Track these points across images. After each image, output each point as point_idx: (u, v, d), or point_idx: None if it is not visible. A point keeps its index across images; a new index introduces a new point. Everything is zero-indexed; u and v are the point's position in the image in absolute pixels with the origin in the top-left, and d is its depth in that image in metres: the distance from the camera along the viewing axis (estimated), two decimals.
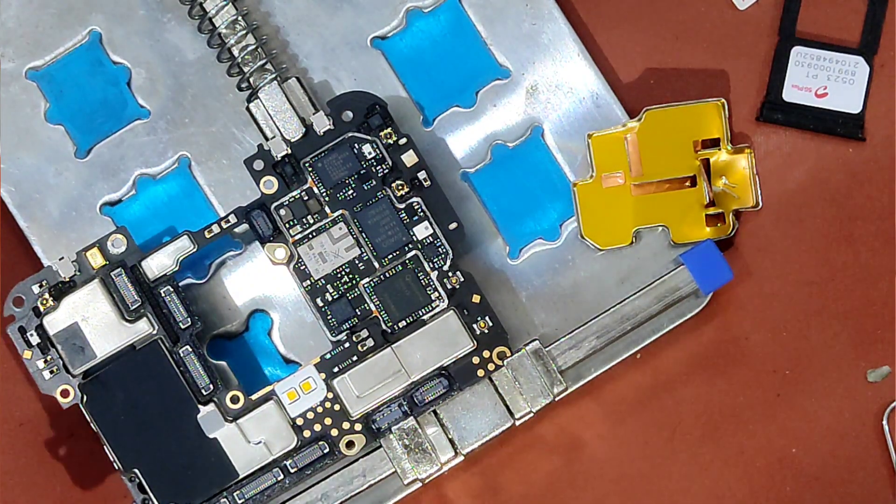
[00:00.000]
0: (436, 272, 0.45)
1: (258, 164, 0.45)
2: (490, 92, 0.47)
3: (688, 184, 0.46)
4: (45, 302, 0.44)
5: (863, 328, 0.46)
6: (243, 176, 0.45)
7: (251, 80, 0.45)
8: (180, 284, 0.45)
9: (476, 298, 0.45)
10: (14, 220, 0.46)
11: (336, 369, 0.45)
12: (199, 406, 0.44)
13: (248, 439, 0.44)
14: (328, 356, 0.45)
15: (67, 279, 0.44)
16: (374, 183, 0.45)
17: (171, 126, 0.47)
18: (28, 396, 0.47)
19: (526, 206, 0.46)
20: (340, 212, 0.45)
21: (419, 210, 0.45)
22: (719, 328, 0.46)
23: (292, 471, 0.45)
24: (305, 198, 0.45)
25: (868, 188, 0.47)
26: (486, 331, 0.45)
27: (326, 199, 0.45)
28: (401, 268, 0.45)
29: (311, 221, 0.45)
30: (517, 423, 0.45)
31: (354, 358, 0.45)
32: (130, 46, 0.47)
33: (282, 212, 0.45)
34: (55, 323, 0.44)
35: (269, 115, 0.45)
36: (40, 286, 0.44)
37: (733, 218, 0.46)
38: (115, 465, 0.44)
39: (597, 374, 0.45)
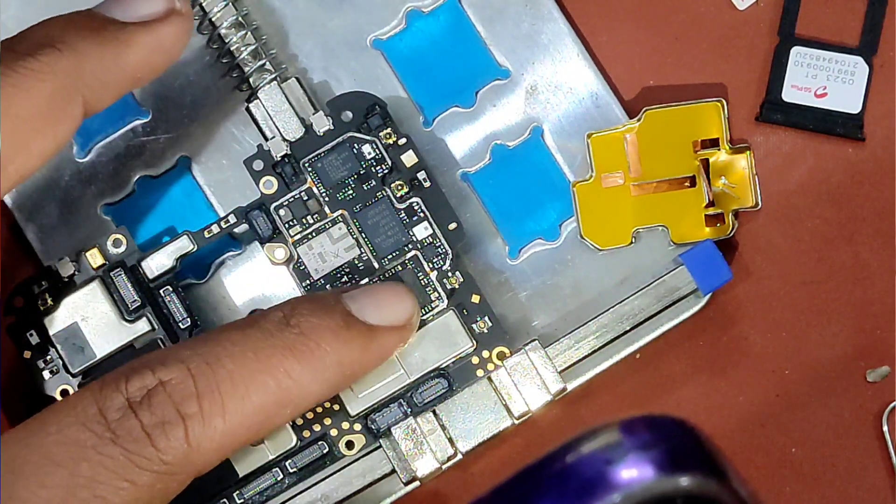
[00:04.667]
0: (435, 272, 0.45)
1: (258, 165, 0.45)
2: (490, 92, 0.47)
3: (687, 184, 0.46)
4: (44, 302, 0.44)
5: (863, 328, 0.46)
6: (243, 176, 0.45)
7: (251, 80, 0.45)
8: (180, 284, 0.45)
9: (475, 298, 0.45)
10: (14, 220, 0.46)
11: None
12: None
13: None
14: None
15: (67, 279, 0.44)
16: (374, 183, 0.45)
17: (171, 126, 0.47)
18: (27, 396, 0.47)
19: (525, 206, 0.46)
20: (340, 212, 0.45)
21: (419, 210, 0.45)
22: (719, 328, 0.46)
23: (292, 471, 0.45)
24: (305, 198, 0.45)
25: (868, 188, 0.47)
26: (486, 331, 0.45)
27: (326, 199, 0.45)
28: (400, 268, 0.45)
29: (311, 221, 0.45)
30: (517, 422, 0.45)
31: None
32: None
33: (281, 212, 0.45)
34: (55, 323, 0.44)
35: (269, 115, 0.45)
36: (40, 286, 0.44)
37: (733, 218, 0.46)
38: None
39: (596, 373, 0.45)
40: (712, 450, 0.35)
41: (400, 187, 0.45)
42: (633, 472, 0.34)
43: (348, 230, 0.45)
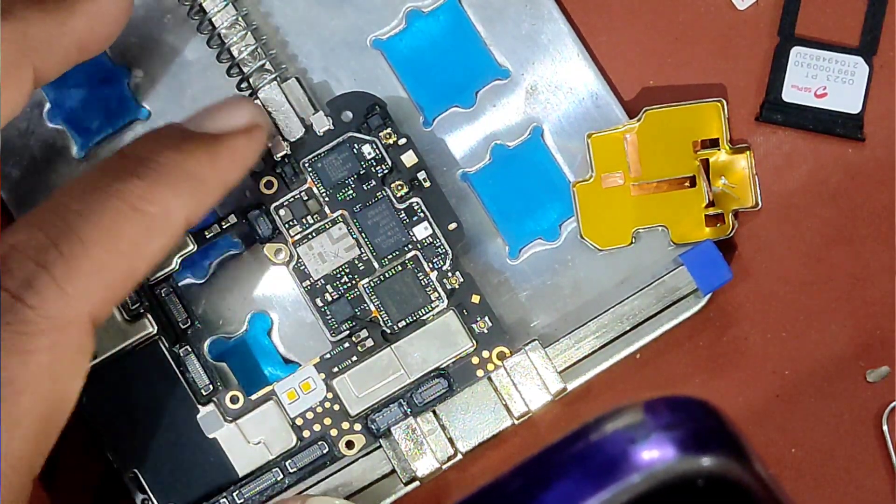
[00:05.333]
0: (435, 272, 0.45)
1: (258, 165, 0.45)
2: (490, 92, 0.47)
3: (687, 184, 0.46)
4: None
5: (862, 328, 0.46)
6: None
7: (251, 80, 0.45)
8: (180, 284, 0.45)
9: (475, 298, 0.45)
10: (13, 220, 0.46)
11: (335, 369, 0.45)
12: (199, 406, 0.44)
13: (248, 439, 0.44)
14: (328, 356, 0.45)
15: None
16: (374, 183, 0.45)
17: None
18: None
19: (525, 206, 0.46)
20: (340, 212, 0.45)
21: (419, 210, 0.45)
22: (718, 328, 0.46)
23: (292, 471, 0.45)
24: (305, 198, 0.45)
25: (868, 188, 0.47)
26: (486, 331, 0.45)
27: (326, 199, 0.45)
28: (400, 268, 0.45)
29: (311, 222, 0.45)
30: (517, 422, 0.45)
31: (354, 358, 0.45)
32: (130, 46, 0.47)
33: (281, 212, 0.45)
34: None
35: (269, 115, 0.45)
36: None
37: (733, 218, 0.46)
38: (114, 465, 0.44)
39: (596, 373, 0.45)
40: (734, 431, 0.35)
41: (400, 187, 0.45)
42: (655, 451, 0.34)
43: (348, 230, 0.45)
